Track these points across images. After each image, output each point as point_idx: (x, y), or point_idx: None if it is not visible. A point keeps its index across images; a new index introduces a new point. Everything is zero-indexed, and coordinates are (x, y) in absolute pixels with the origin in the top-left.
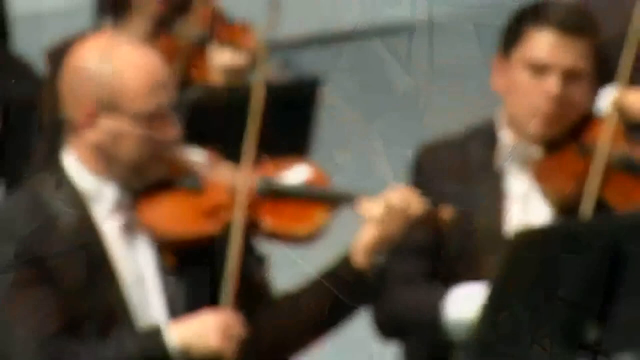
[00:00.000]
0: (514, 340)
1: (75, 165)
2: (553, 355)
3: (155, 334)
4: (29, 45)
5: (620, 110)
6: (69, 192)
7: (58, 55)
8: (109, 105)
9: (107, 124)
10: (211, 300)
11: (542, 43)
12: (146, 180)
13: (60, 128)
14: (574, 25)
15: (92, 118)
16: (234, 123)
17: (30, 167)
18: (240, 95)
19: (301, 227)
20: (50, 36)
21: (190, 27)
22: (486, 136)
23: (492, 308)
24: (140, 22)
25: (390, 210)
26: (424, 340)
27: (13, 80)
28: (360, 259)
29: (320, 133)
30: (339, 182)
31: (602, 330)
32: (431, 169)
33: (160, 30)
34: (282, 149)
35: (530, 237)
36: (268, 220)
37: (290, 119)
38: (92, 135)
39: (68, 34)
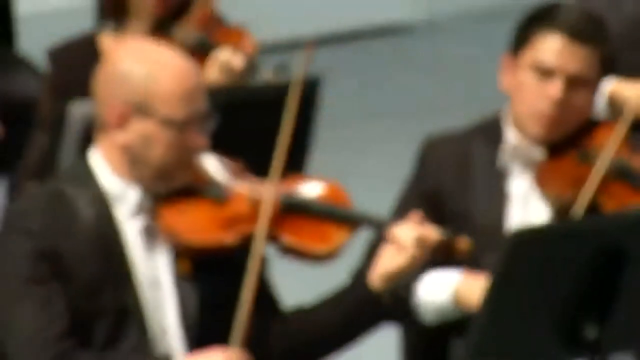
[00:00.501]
0: (513, 338)
1: (101, 164)
2: (552, 354)
3: None
4: (32, 44)
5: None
6: (92, 190)
7: (59, 55)
8: (141, 107)
9: (138, 126)
10: (223, 308)
11: (551, 47)
12: (170, 185)
13: (61, 126)
14: (584, 33)
15: (123, 119)
16: (231, 123)
17: (28, 164)
18: (239, 96)
19: (320, 247)
20: (52, 36)
21: (187, 30)
22: (491, 133)
23: (491, 305)
24: (139, 24)
25: (417, 240)
26: (407, 323)
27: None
28: (377, 283)
29: (320, 133)
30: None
31: (602, 330)
32: (434, 162)
33: (159, 32)
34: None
35: (530, 236)
36: (287, 237)
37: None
38: (122, 136)
39: (69, 34)
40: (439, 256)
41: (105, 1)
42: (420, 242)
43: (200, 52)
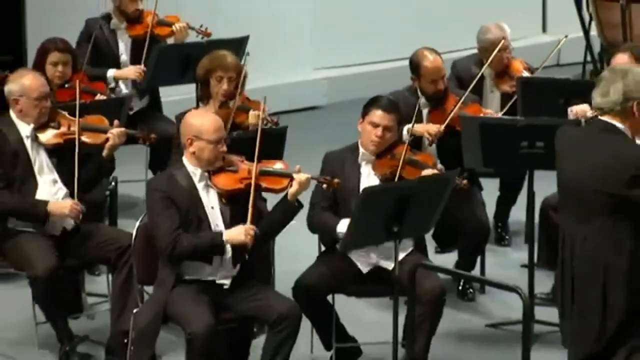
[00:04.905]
0: (364, 235)
1: (186, 162)
2: (380, 239)
3: (219, 235)
4: (170, 112)
5: (411, 132)
6: (184, 172)
7: (179, 117)
8: (197, 136)
9: (197, 145)
10: (239, 218)
11: (376, 114)
12: (213, 167)
13: (181, 149)
14: (390, 108)
15: (190, 142)
16: (252, 143)
17: (171, 163)
18: (255, 134)
19: (277, 187)
20: (179, 109)
21: (235, 104)
22: (355, 149)
23: (356, 221)
24: (215, 103)
25: (305, 181)
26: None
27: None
28: (290, 198)
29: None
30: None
31: (399, 227)
32: (330, 162)
33: (223, 105)
34: (268, 157)
35: (371, 192)
36: (263, 184)
37: (272, 143)
38: (191, 149)
39: (185, 109)
40: (326, 187)
41: (201, 94)
42: (306, 181)
43: (242, 111)
